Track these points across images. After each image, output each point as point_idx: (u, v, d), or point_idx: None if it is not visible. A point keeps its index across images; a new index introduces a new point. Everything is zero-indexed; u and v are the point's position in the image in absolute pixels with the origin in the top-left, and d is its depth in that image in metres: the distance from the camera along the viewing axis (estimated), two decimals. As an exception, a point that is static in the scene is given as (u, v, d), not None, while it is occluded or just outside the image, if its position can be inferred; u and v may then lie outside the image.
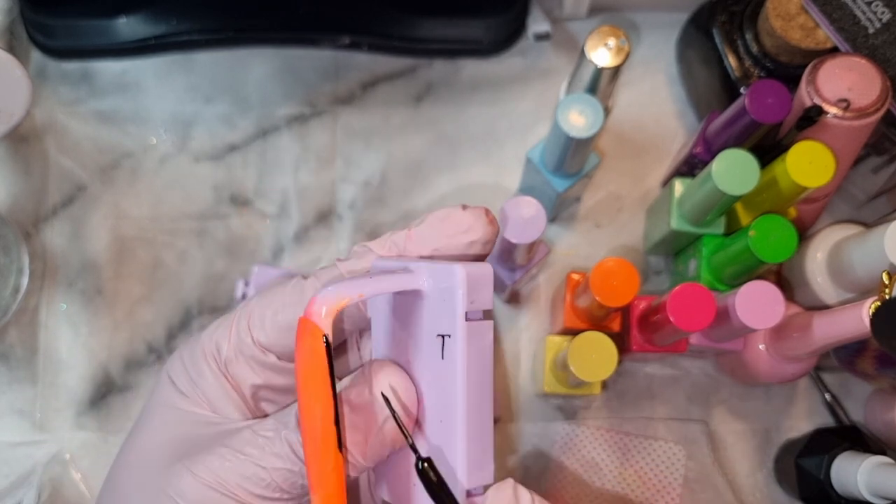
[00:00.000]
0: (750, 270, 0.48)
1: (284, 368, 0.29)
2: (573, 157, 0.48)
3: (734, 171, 0.44)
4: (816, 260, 0.51)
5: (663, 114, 0.59)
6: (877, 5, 0.46)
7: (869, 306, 0.40)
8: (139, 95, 0.58)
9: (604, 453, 0.53)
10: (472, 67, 0.59)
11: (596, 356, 0.45)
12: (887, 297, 0.41)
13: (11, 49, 0.58)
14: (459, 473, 0.26)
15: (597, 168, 0.51)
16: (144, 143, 0.58)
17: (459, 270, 0.25)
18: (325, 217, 0.57)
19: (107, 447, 0.54)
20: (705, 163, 0.48)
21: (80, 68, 0.59)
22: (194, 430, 0.29)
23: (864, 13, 0.47)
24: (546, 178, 0.50)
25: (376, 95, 0.59)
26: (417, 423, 0.27)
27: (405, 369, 0.27)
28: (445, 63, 0.59)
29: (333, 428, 0.24)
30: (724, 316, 0.44)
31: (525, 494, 0.27)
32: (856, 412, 0.55)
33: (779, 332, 0.48)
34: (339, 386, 0.25)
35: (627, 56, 0.46)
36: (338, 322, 0.29)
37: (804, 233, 0.54)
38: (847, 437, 0.51)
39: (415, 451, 0.25)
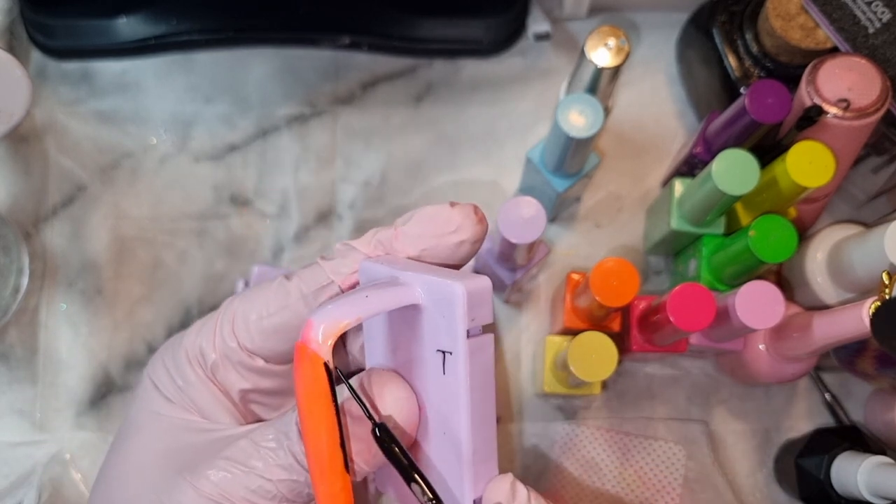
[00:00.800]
0: (750, 270, 0.48)
1: (272, 371, 0.29)
2: (573, 157, 0.48)
3: (734, 171, 0.44)
4: (816, 260, 0.51)
5: (663, 114, 0.59)
6: (877, 5, 0.46)
7: (869, 306, 0.40)
8: (139, 95, 0.58)
9: (604, 453, 0.53)
10: (472, 67, 0.59)
11: (596, 356, 0.45)
12: (887, 297, 0.41)
13: (11, 49, 0.58)
14: (466, 485, 0.26)
15: (597, 168, 0.51)
16: (144, 143, 0.58)
17: (459, 289, 0.24)
18: (325, 217, 0.57)
19: (107, 447, 0.52)
20: (705, 163, 0.48)
21: (80, 68, 0.59)
22: (186, 437, 0.29)
23: (864, 13, 0.47)
24: (546, 178, 0.50)
25: (376, 95, 0.59)
26: (418, 433, 0.27)
27: (403, 377, 0.27)
28: (445, 63, 0.59)
29: (339, 451, 0.24)
30: (724, 316, 0.44)
31: (522, 490, 0.27)
32: (856, 412, 0.55)
33: (779, 332, 0.48)
34: (340, 396, 0.25)
35: (627, 56, 0.46)
36: None
37: (804, 233, 0.54)
38: (847, 437, 0.51)
39: (371, 419, 0.25)
